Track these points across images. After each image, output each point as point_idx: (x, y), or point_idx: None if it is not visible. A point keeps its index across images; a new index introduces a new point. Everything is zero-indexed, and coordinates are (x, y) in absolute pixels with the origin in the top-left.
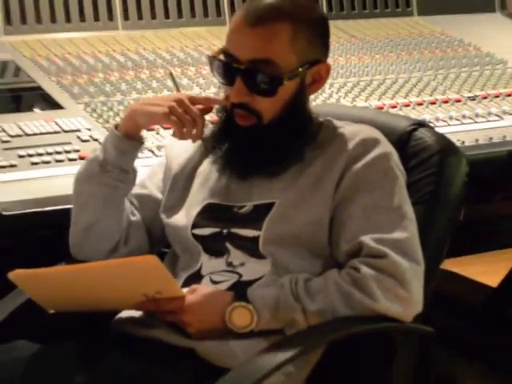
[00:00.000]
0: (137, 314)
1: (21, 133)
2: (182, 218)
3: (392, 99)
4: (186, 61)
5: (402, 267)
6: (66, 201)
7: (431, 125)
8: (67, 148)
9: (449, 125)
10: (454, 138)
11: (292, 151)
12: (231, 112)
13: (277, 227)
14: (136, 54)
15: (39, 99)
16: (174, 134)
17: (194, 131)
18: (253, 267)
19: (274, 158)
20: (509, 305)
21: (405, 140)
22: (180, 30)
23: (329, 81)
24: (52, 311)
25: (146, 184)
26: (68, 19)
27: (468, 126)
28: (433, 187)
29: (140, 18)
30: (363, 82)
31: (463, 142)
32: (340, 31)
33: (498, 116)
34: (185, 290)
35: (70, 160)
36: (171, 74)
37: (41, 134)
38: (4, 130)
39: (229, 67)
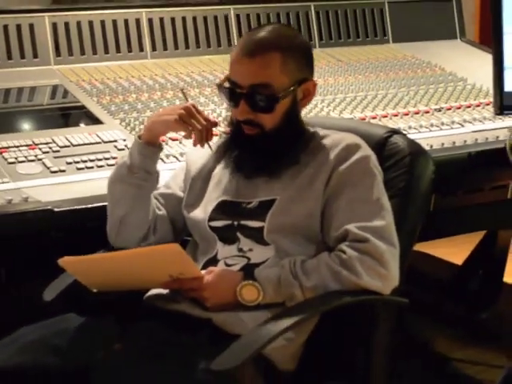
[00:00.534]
0: (164, 291)
1: (68, 144)
2: (200, 213)
3: (372, 111)
4: (203, 83)
5: (381, 249)
6: (106, 199)
7: (405, 132)
8: (106, 156)
9: (419, 132)
10: (424, 143)
11: (289, 156)
12: (239, 125)
13: (278, 219)
14: (162, 78)
15: (83, 116)
16: (185, 136)
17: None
18: (259, 252)
19: (275, 160)
20: (471, 279)
21: (382, 144)
22: (198, 58)
23: (320, 97)
24: (95, 290)
25: (169, 184)
26: (106, 51)
27: (435, 133)
28: (405, 183)
29: (165, 48)
30: (348, 98)
31: (431, 146)
32: (329, 56)
33: (459, 124)
34: (203, 271)
35: (109, 165)
36: (182, 89)
37: (84, 144)
38: (54, 142)
39: (233, 92)
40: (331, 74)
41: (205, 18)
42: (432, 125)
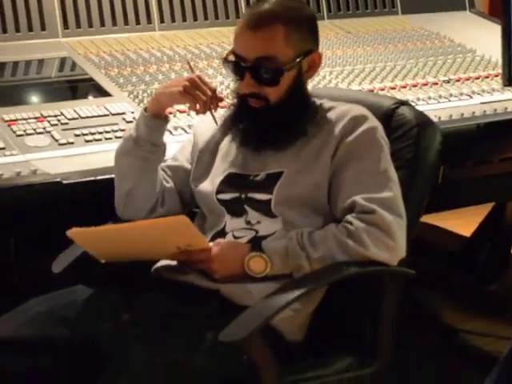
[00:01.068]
0: (172, 262)
1: (76, 116)
2: (208, 185)
3: (381, 83)
4: (211, 55)
5: (388, 220)
6: (114, 171)
7: (414, 104)
8: (114, 128)
9: (428, 103)
10: (432, 115)
11: (295, 128)
12: (244, 98)
13: (285, 191)
14: (170, 50)
15: (91, 88)
16: (189, 108)
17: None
18: (267, 225)
19: (281, 133)
20: (480, 252)
21: (389, 115)
22: (206, 30)
23: (328, 68)
24: (103, 261)
25: (177, 157)
26: (114, 23)
27: (444, 105)
28: (412, 154)
29: (173, 20)
30: (357, 70)
31: (439, 118)
32: (337, 28)
33: (468, 96)
34: (211, 243)
35: (117, 138)
36: (188, 62)
37: (93, 116)
38: (63, 114)
39: (238, 66)
40: (340, 46)
41: None
42: (440, 96)
